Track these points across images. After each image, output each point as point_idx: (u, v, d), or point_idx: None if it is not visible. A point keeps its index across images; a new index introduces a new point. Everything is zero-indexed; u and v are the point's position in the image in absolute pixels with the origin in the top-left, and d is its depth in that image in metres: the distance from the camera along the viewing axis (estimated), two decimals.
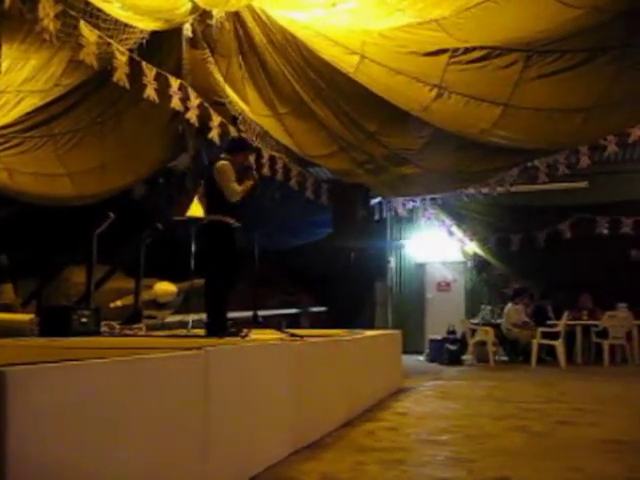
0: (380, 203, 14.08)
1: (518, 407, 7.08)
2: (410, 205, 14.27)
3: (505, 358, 13.21)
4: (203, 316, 7.10)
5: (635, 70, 7.41)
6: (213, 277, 6.14)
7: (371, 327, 11.88)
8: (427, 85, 8.13)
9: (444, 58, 7.60)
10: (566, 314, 11.96)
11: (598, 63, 7.33)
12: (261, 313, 6.47)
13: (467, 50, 7.45)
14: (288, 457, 4.60)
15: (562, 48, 7.24)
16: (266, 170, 10.38)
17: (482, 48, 7.42)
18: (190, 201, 6.92)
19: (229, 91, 9.01)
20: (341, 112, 9.31)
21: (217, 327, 5.94)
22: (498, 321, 13.23)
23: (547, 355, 12.49)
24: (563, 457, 4.68)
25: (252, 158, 7.91)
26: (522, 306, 13.09)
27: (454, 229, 14.69)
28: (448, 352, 12.81)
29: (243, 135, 9.31)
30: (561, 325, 11.85)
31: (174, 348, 3.74)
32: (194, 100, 8.35)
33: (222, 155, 6.28)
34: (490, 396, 8.13)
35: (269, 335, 5.92)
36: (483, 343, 12.70)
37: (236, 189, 5.99)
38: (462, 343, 13.10)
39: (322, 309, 14.89)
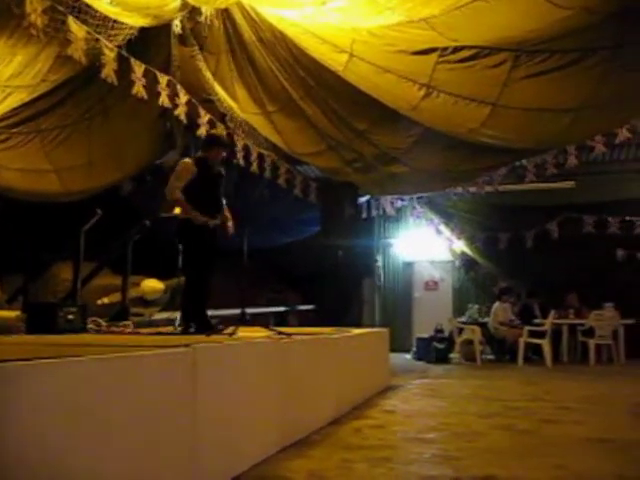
0: (368, 201, 14.09)
1: (504, 405, 7.11)
2: (398, 204, 14.31)
3: (492, 357, 13.26)
4: None
5: (623, 71, 7.43)
6: (185, 274, 6.26)
7: (359, 325, 11.89)
8: (416, 84, 8.13)
9: (433, 57, 7.61)
10: (553, 313, 12.03)
11: (587, 64, 7.35)
12: (249, 311, 6.47)
13: (456, 49, 7.45)
14: (275, 455, 4.61)
15: (551, 48, 7.25)
16: (255, 168, 10.37)
17: (471, 47, 7.42)
18: None
19: (218, 88, 8.99)
20: (330, 110, 9.31)
21: (187, 324, 6.04)
22: (485, 320, 13.30)
23: (533, 354, 12.56)
24: (549, 455, 4.71)
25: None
26: (509, 305, 13.17)
27: (442, 228, 14.73)
28: (435, 350, 12.86)
29: (231, 132, 9.32)
30: (548, 324, 11.91)
31: (161, 346, 3.73)
32: (183, 97, 8.33)
33: (199, 153, 6.33)
34: (477, 394, 8.16)
35: (257, 333, 5.92)
36: (470, 342, 12.75)
37: (174, 190, 6.01)
38: (449, 342, 13.15)
39: (310, 307, 14.89)
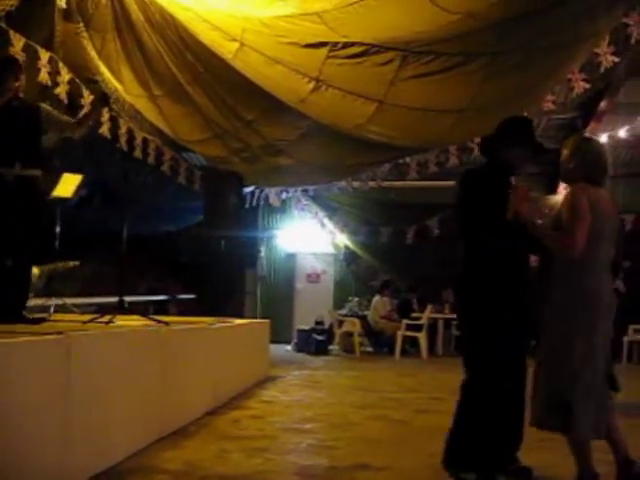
0: (253, 192, 14.02)
1: (380, 396, 7.29)
2: (283, 195, 14.30)
3: (370, 349, 13.56)
4: (67, 300, 6.83)
5: (503, 77, 7.75)
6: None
7: (240, 316, 11.84)
8: (305, 77, 8.15)
9: (323, 51, 7.65)
10: (429, 307, 12.42)
11: (470, 68, 7.59)
12: (128, 299, 6.29)
13: (346, 45, 7.52)
14: (151, 445, 4.54)
15: (437, 50, 7.44)
16: (138, 152, 10.10)
17: (361, 44, 7.52)
18: (57, 180, 6.61)
19: (103, 68, 8.69)
20: (218, 98, 9.19)
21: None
22: (365, 313, 13.56)
23: (411, 346, 12.92)
24: (420, 444, 4.87)
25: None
26: (388, 299, 13.48)
27: (326, 221, 14.85)
28: (315, 342, 13.00)
29: (115, 115, 9.04)
30: (424, 318, 12.29)
31: (34, 333, 3.59)
32: (65, 75, 7.98)
33: None
34: (354, 386, 8.32)
35: (135, 321, 5.79)
36: (350, 334, 12.97)
37: None
38: (329, 334, 13.32)
39: (191, 297, 14.70)
